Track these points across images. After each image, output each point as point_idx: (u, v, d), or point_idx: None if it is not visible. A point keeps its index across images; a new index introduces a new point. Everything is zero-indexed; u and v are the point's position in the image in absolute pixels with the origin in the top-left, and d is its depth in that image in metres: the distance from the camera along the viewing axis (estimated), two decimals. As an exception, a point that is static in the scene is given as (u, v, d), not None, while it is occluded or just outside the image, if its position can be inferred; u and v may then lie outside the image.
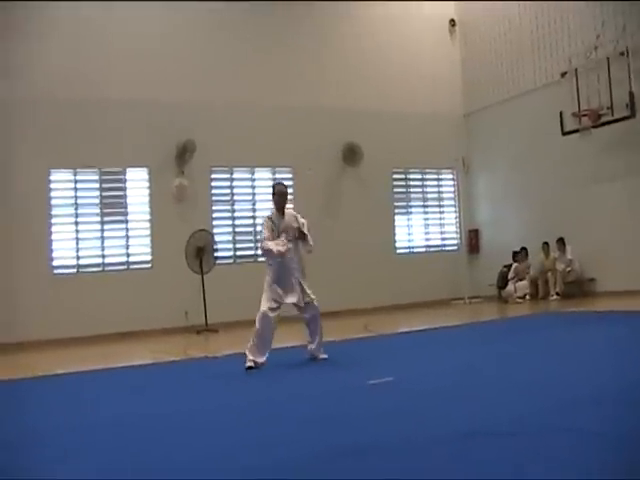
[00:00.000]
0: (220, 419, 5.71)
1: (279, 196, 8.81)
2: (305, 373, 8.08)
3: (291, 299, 8.55)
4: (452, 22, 19.77)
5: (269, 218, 8.80)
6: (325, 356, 8.73)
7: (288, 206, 9.03)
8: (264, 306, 8.46)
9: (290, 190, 16.70)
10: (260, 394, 6.84)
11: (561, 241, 16.34)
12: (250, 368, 8.29)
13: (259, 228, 8.88)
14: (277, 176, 16.73)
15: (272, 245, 8.51)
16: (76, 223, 14.92)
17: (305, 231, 8.71)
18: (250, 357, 8.36)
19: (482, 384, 6.39)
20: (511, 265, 17.28)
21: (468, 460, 4.02)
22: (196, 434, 5.19)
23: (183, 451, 4.68)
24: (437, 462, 4.03)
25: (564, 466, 3.74)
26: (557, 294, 16.25)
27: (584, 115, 15.61)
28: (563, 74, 16.18)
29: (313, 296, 8.71)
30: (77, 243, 14.87)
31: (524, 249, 17.11)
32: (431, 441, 4.45)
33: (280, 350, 9.13)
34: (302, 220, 8.86)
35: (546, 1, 17.17)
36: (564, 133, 16.09)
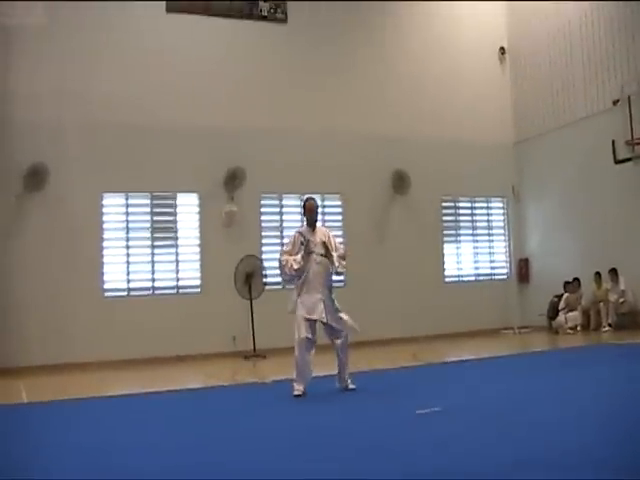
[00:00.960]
0: (266, 447, 5.67)
1: (309, 211, 8.81)
2: (352, 402, 8.02)
3: (317, 317, 8.45)
4: (502, 50, 19.68)
5: (300, 233, 8.77)
6: (353, 386, 8.61)
7: (319, 224, 9.04)
8: (297, 333, 8.44)
9: (339, 217, 16.96)
10: (307, 422, 6.80)
11: (614, 271, 16.05)
12: (298, 396, 8.27)
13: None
14: (327, 203, 16.81)
15: (288, 260, 8.50)
16: (127, 247, 15.11)
17: (332, 251, 8.63)
18: (295, 386, 8.35)
19: (529, 417, 6.27)
20: (562, 295, 16.99)
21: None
22: (249, 460, 5.17)
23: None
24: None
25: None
26: (609, 325, 15.93)
27: (637, 143, 15.42)
28: (615, 102, 16.03)
29: (346, 317, 8.63)
30: (128, 266, 15.05)
31: (577, 279, 16.79)
32: (477, 473, 4.40)
33: (325, 378, 9.04)
34: (335, 241, 8.83)
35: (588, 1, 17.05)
36: (617, 162, 15.89)
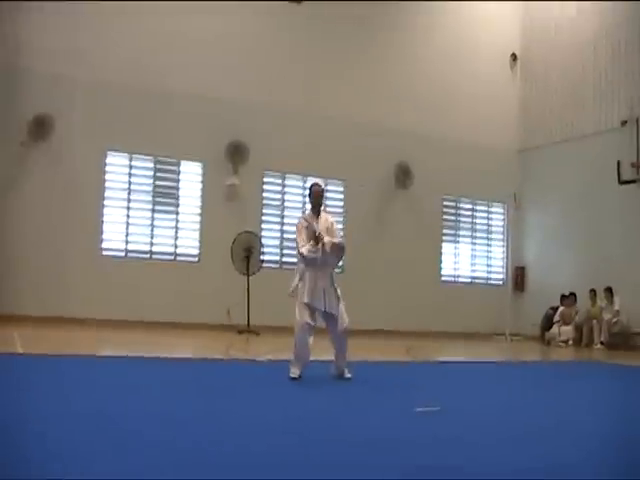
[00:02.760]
0: (257, 429, 5.39)
1: (314, 196, 8.70)
2: (349, 392, 7.85)
3: (320, 306, 8.29)
4: (513, 56, 19.65)
5: (304, 219, 8.64)
6: (349, 375, 8.47)
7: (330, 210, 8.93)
8: (298, 317, 8.28)
9: (340, 203, 16.90)
10: (303, 409, 6.60)
11: (609, 290, 16.12)
12: (294, 379, 8.17)
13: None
14: (329, 187, 16.69)
15: (304, 250, 8.35)
16: (128, 208, 15.03)
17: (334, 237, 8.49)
18: (292, 368, 8.24)
19: (526, 425, 6.15)
20: (557, 307, 17.03)
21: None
22: (239, 442, 5.01)
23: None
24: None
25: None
26: (601, 343, 16.01)
27: (643, 166, 15.42)
28: (623, 122, 16.06)
29: (343, 309, 8.46)
30: (127, 227, 15.01)
31: (573, 294, 16.85)
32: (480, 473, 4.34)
33: (322, 363, 8.90)
34: (336, 230, 8.69)
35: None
36: (621, 182, 15.90)
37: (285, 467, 4.33)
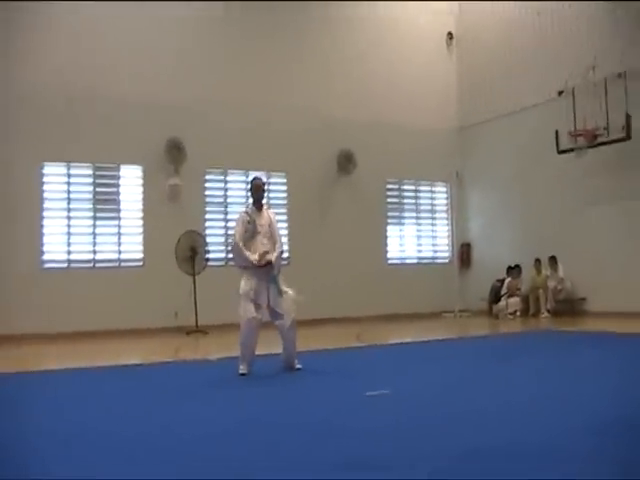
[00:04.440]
0: (214, 430, 5.46)
1: (255, 190, 8.73)
2: (300, 382, 7.93)
3: (263, 301, 8.35)
4: (450, 35, 19.80)
5: (246, 213, 8.66)
6: (300, 366, 8.53)
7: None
8: (243, 313, 8.31)
9: (283, 195, 16.86)
10: (257, 404, 6.64)
11: (553, 259, 16.38)
12: (243, 374, 8.19)
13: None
14: (272, 180, 16.68)
15: (249, 255, 8.35)
16: (68, 218, 14.80)
17: (275, 242, 8.55)
18: (240, 365, 8.26)
19: (478, 402, 6.24)
20: (504, 280, 17.27)
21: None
22: (199, 443, 5.06)
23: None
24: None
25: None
26: (548, 312, 16.29)
27: (580, 135, 15.55)
28: (560, 93, 16.18)
29: (289, 302, 8.48)
30: (69, 238, 14.74)
31: (518, 266, 17.09)
32: (430, 458, 4.39)
33: (270, 356, 8.93)
34: (277, 229, 8.72)
35: (549, 0, 17.08)
36: (559, 152, 16.07)
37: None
